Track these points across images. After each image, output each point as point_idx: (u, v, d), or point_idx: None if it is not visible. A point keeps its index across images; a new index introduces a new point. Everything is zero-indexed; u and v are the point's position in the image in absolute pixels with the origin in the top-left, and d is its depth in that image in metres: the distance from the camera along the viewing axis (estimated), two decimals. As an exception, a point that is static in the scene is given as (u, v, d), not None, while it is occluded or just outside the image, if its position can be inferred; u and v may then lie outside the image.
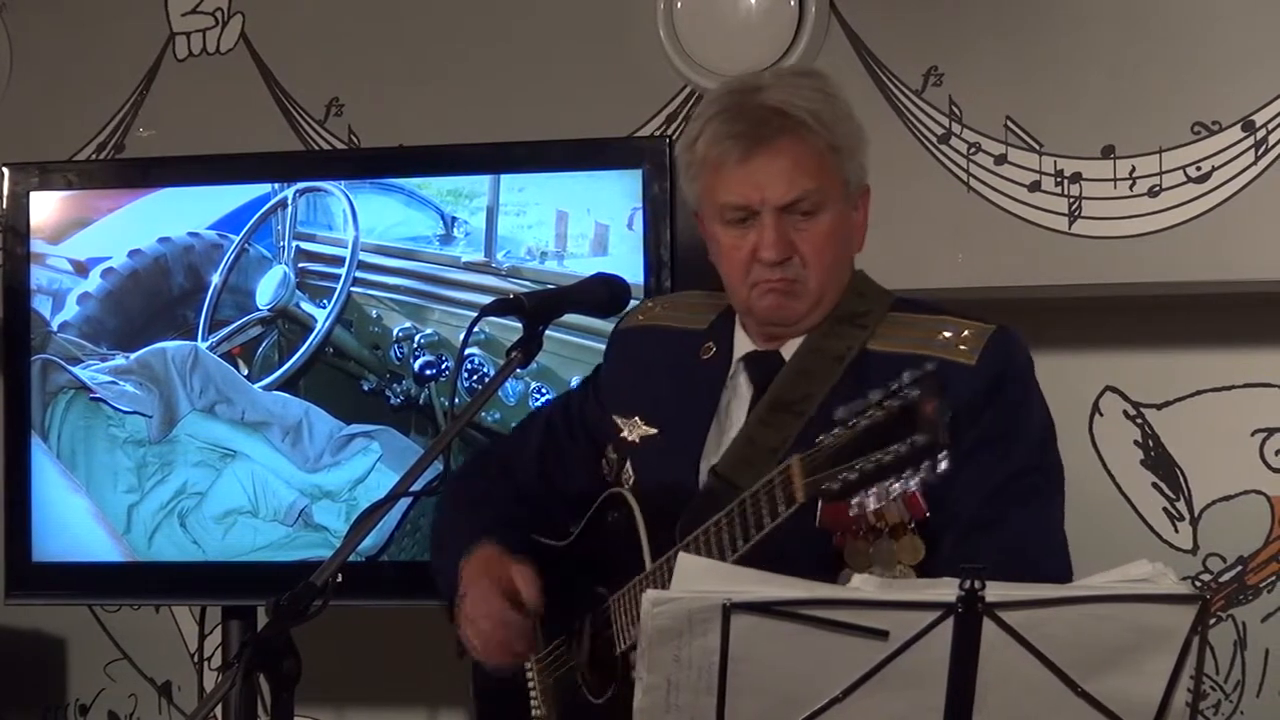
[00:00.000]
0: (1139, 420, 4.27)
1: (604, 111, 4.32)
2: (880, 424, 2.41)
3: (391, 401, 4.15)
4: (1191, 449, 4.25)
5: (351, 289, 4.16)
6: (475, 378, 4.04)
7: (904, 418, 2.38)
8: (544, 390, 3.97)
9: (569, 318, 3.09)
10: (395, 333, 4.14)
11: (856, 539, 2.74)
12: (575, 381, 3.47)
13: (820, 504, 2.60)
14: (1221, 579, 4.22)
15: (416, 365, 4.13)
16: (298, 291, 4.20)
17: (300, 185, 4.19)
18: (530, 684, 3.17)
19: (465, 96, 4.45)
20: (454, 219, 4.10)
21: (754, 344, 2.97)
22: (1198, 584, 4.17)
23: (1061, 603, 2.36)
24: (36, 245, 4.31)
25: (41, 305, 4.31)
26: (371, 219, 4.14)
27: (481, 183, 4.08)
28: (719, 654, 2.34)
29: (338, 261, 4.16)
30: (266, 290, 4.22)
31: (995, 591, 2.33)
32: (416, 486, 2.84)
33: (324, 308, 4.18)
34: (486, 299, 3.11)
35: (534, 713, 3.16)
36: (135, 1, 4.71)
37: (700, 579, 2.37)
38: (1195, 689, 2.43)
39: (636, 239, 3.97)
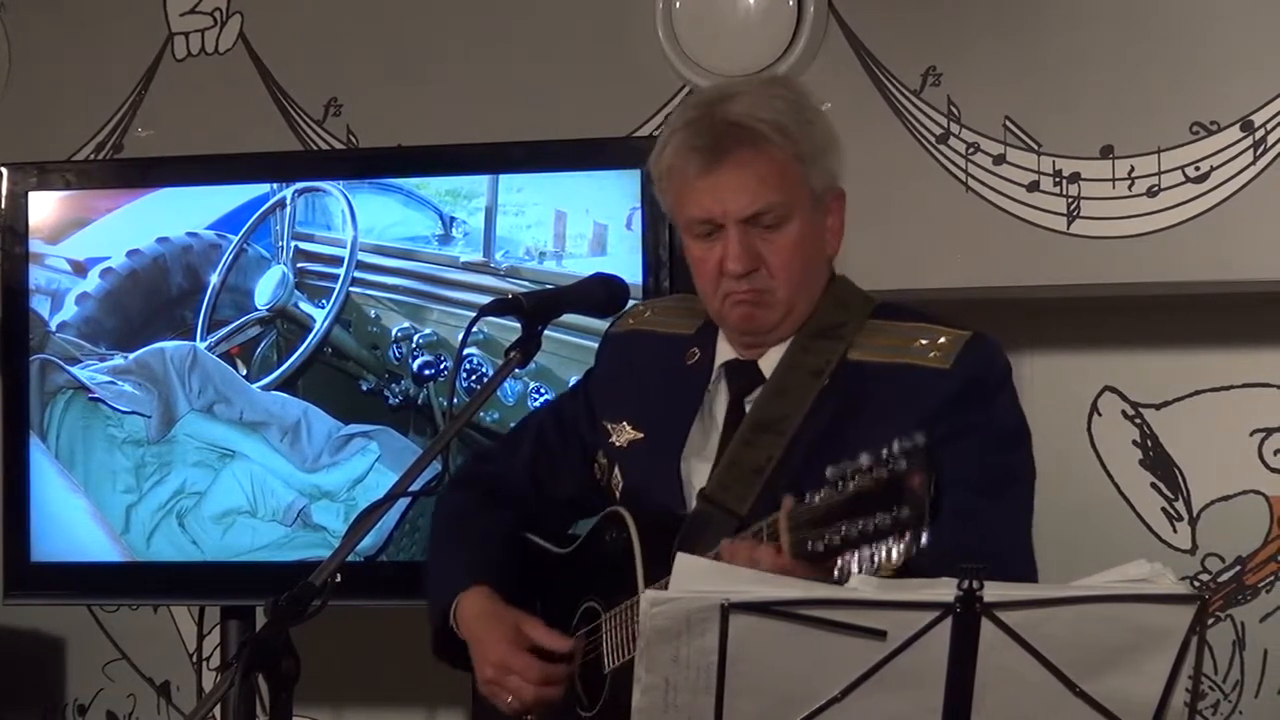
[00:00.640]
0: (1138, 420, 4.27)
1: (603, 111, 4.32)
2: (867, 491, 2.42)
3: (390, 401, 4.15)
4: (1190, 449, 4.25)
5: (350, 289, 4.16)
6: (474, 378, 4.04)
7: (891, 488, 2.39)
8: (542, 390, 3.97)
9: (568, 318, 3.10)
10: (394, 333, 4.14)
11: None
12: (573, 381, 3.47)
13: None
14: (1220, 579, 4.22)
15: (415, 365, 4.12)
16: (296, 291, 4.20)
17: (299, 185, 4.18)
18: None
19: (464, 96, 4.45)
20: (452, 219, 4.09)
21: (734, 352, 2.98)
22: (1196, 584, 4.17)
23: (1060, 603, 2.36)
24: (35, 245, 4.31)
25: (40, 305, 4.30)
26: (370, 219, 4.14)
27: (480, 183, 4.08)
28: (717, 654, 2.34)
29: (336, 261, 4.16)
30: (265, 290, 4.22)
31: (993, 592, 2.33)
32: (415, 486, 2.84)
33: (322, 308, 4.18)
34: (485, 299, 3.11)
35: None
36: (134, 1, 4.71)
37: (698, 579, 2.38)
38: (1194, 689, 2.43)
39: (635, 239, 3.96)
